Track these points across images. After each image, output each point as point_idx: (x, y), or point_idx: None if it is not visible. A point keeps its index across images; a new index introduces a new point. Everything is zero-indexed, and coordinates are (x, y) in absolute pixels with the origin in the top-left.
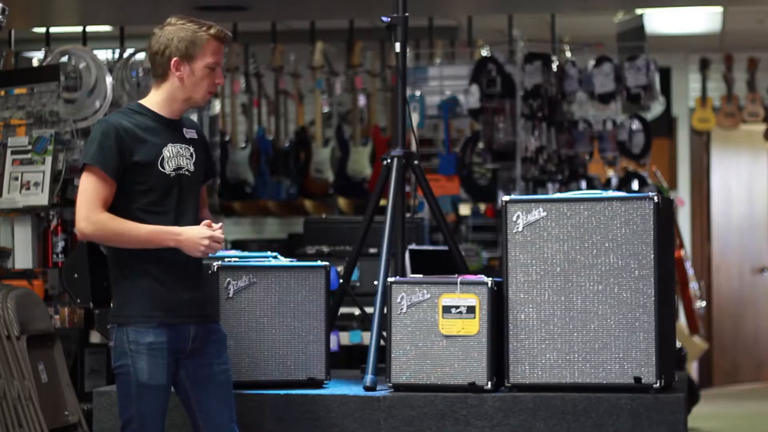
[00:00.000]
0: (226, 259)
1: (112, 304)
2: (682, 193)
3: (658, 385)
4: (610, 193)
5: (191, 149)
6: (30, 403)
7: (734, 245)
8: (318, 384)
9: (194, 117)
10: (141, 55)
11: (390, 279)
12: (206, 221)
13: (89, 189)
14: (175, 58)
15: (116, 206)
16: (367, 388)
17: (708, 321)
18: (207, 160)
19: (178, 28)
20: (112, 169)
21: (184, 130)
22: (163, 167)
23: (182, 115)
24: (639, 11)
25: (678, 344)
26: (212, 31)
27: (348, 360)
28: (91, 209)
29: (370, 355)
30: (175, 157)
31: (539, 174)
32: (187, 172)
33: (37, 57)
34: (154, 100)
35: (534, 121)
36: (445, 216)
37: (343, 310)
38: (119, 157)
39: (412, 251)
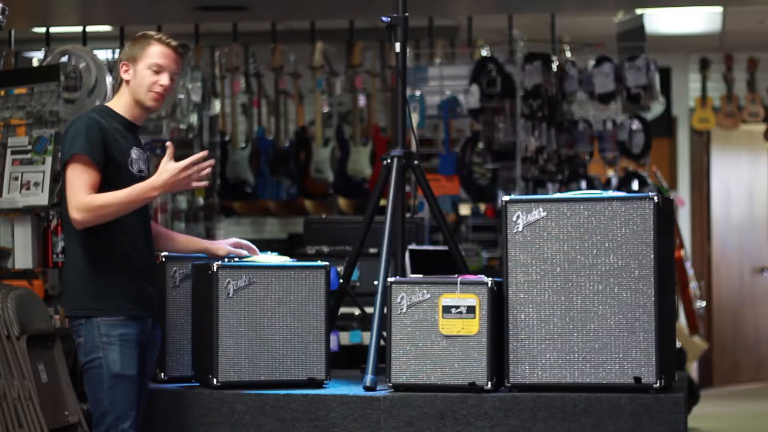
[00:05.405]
0: (227, 259)
1: (72, 298)
2: (682, 193)
3: (658, 385)
4: (610, 193)
5: (146, 155)
6: (30, 403)
7: (734, 245)
8: (318, 384)
9: (194, 116)
10: None
11: (390, 279)
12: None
13: (75, 178)
14: (123, 62)
15: None
16: (367, 388)
17: (708, 321)
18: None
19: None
20: (99, 158)
21: (139, 136)
22: (132, 168)
23: (143, 121)
24: (639, 11)
25: (678, 344)
26: (157, 36)
27: (348, 360)
28: (78, 196)
29: (370, 355)
30: (138, 161)
31: (539, 174)
32: (146, 175)
33: (37, 57)
34: (119, 103)
35: (534, 121)
36: (445, 216)
37: (343, 310)
38: (103, 149)
39: (412, 251)
